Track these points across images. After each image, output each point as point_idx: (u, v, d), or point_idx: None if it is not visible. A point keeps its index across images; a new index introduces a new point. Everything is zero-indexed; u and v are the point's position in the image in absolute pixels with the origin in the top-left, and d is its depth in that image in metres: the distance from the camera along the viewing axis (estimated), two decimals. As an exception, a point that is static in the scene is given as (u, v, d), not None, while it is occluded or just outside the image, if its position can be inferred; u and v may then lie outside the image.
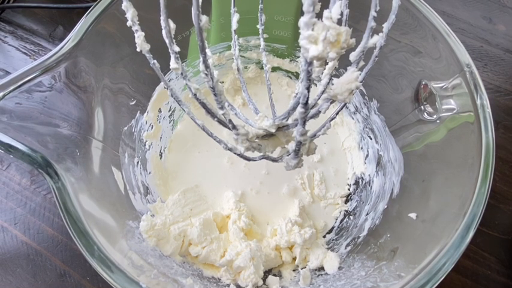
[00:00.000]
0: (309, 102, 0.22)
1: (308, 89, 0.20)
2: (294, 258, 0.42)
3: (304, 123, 0.24)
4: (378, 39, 0.26)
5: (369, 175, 0.46)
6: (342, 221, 0.46)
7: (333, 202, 0.48)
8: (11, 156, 0.27)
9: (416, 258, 0.29)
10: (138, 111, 0.44)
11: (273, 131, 0.30)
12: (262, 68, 0.54)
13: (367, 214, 0.42)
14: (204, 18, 0.22)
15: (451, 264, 0.27)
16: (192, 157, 0.50)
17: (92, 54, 0.34)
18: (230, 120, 0.28)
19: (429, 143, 0.36)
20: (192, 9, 0.22)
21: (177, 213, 0.43)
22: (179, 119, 0.52)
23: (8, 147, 0.27)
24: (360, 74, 0.29)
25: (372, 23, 0.27)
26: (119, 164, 0.39)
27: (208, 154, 0.50)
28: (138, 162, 0.44)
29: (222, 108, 0.27)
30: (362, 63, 0.28)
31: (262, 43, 0.41)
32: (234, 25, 0.36)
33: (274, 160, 0.33)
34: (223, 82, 0.54)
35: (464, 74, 0.32)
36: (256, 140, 0.31)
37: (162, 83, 0.29)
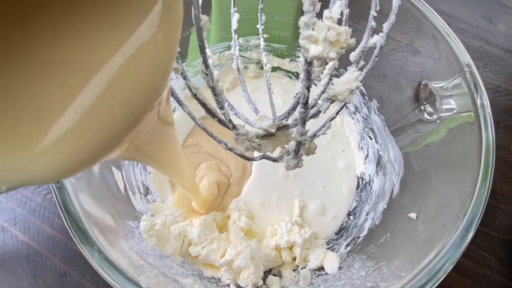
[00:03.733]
0: (309, 102, 0.22)
1: (308, 89, 0.20)
2: (294, 258, 0.42)
3: (304, 123, 0.24)
4: (378, 39, 0.26)
5: (369, 175, 0.46)
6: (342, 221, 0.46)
7: (333, 202, 0.48)
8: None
9: (416, 258, 0.29)
10: (138, 111, 0.44)
11: (273, 131, 0.30)
12: (262, 68, 0.54)
13: (367, 214, 0.42)
14: (204, 18, 0.22)
15: (451, 264, 0.27)
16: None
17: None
18: (230, 120, 0.28)
19: (429, 143, 0.36)
20: (192, 9, 0.22)
21: (177, 213, 0.43)
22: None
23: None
24: (360, 74, 0.29)
25: (372, 23, 0.27)
26: (118, 164, 0.39)
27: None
28: (138, 162, 0.44)
29: (222, 108, 0.27)
30: (362, 63, 0.28)
31: (262, 43, 0.41)
32: (234, 25, 0.36)
33: (274, 160, 0.33)
34: (223, 82, 0.54)
35: (464, 74, 0.32)
36: (256, 140, 0.31)
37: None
